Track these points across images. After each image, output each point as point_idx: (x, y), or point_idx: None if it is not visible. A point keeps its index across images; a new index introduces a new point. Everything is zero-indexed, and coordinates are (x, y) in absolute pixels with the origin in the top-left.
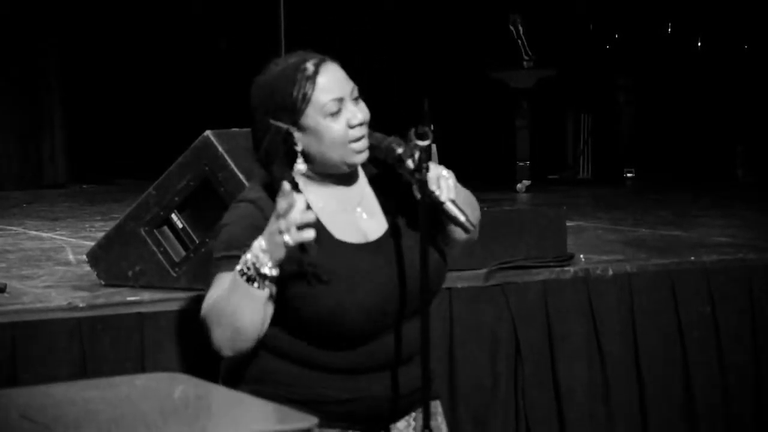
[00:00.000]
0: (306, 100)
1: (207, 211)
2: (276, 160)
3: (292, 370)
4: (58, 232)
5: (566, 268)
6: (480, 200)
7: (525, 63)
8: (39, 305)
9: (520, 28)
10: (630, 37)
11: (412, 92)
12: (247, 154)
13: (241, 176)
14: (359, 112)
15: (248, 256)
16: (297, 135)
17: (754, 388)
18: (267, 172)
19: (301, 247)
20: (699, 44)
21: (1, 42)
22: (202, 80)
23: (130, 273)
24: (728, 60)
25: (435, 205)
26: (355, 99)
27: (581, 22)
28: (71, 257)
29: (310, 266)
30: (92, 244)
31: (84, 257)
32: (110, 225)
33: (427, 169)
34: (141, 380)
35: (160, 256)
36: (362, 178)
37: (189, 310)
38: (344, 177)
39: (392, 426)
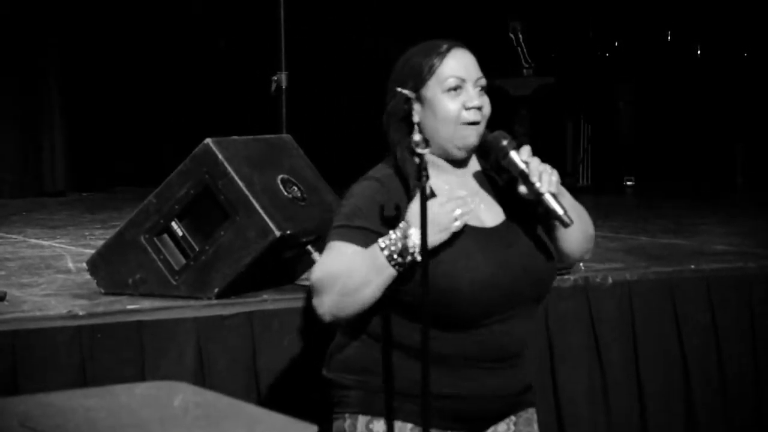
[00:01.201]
0: (431, 71)
1: (207, 219)
2: (393, 125)
3: (401, 362)
4: (57, 240)
5: (566, 276)
6: None
7: (525, 70)
8: (39, 313)
9: (520, 36)
10: (630, 45)
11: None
12: (247, 162)
13: (241, 184)
14: (477, 98)
15: (397, 234)
16: (416, 105)
17: (754, 395)
18: (386, 137)
19: None
20: (698, 52)
21: (1, 48)
22: (202, 81)
23: (130, 281)
24: (727, 68)
25: (536, 196)
26: (480, 89)
27: (581, 29)
28: (71, 265)
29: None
30: (92, 252)
31: (84, 265)
32: (110, 233)
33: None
34: (141, 388)
35: (160, 264)
36: (479, 170)
37: (189, 318)
38: (462, 164)
39: (493, 428)
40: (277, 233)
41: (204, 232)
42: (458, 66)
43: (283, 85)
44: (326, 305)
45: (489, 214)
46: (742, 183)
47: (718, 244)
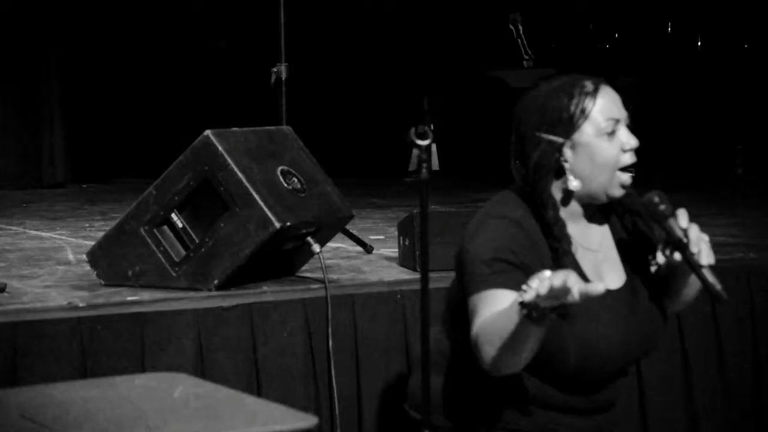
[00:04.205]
0: (584, 115)
1: (207, 210)
2: (546, 176)
3: (509, 404)
4: (57, 232)
5: None
6: (480, 199)
7: (525, 62)
8: (39, 305)
9: (520, 27)
10: (630, 37)
11: (411, 91)
12: (247, 154)
13: (241, 175)
14: (632, 138)
15: (533, 301)
16: (567, 152)
17: (754, 388)
18: (532, 188)
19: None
20: (699, 44)
21: (0, 42)
22: (202, 80)
23: (130, 273)
24: (728, 60)
25: (691, 268)
26: (628, 126)
27: (581, 21)
28: (71, 257)
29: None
30: (92, 243)
31: (84, 257)
32: (110, 225)
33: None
34: (141, 380)
35: (160, 256)
36: (605, 224)
37: (189, 309)
38: (594, 213)
39: None
40: (277, 225)
41: (204, 224)
42: (611, 106)
43: (283, 76)
44: (487, 362)
45: (613, 273)
46: (743, 174)
47: (718, 236)
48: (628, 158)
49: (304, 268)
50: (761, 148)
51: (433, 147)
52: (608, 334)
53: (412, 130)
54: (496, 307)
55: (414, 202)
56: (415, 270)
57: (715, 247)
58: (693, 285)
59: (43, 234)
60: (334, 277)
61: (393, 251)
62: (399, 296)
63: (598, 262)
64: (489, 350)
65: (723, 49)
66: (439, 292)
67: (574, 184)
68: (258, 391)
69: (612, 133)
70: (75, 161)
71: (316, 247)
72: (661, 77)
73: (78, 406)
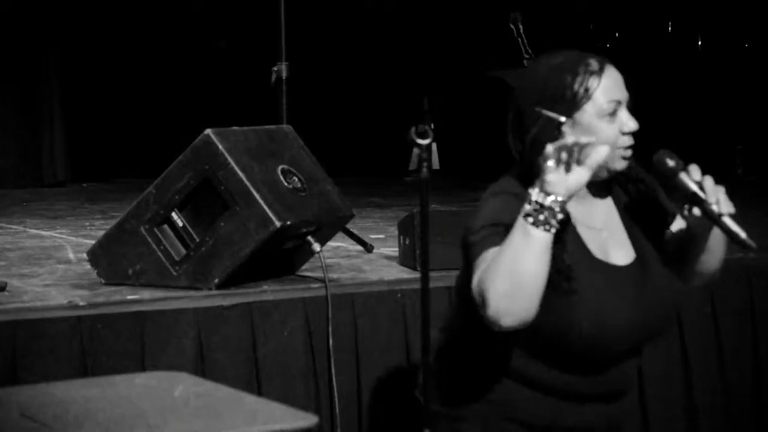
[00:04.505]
0: (587, 95)
1: (207, 209)
2: (538, 148)
3: (523, 394)
4: (58, 231)
5: None
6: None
7: (525, 61)
8: (39, 304)
9: (520, 27)
10: (630, 37)
11: (412, 90)
12: (247, 153)
13: (241, 174)
14: (632, 121)
15: (532, 195)
16: (567, 130)
17: (755, 387)
18: (528, 163)
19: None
20: (699, 43)
21: (1, 40)
22: (202, 80)
23: (130, 271)
24: (728, 60)
25: (711, 220)
26: (629, 108)
27: (581, 21)
28: (71, 256)
29: (564, 269)
30: (92, 242)
31: (84, 256)
32: (110, 223)
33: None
34: (141, 379)
35: (160, 255)
36: (609, 199)
37: (189, 308)
38: (596, 191)
39: None
40: (278, 224)
41: (204, 223)
42: (614, 87)
43: (284, 75)
44: (496, 300)
45: (620, 251)
46: (743, 174)
47: None
48: (627, 140)
49: (304, 267)
50: (761, 148)
51: (434, 146)
52: (617, 310)
53: (413, 129)
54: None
55: (414, 202)
56: (415, 269)
57: None
58: (715, 248)
59: (44, 233)
60: (335, 276)
61: (393, 250)
62: (399, 295)
63: (603, 240)
64: (492, 284)
65: (723, 49)
66: (440, 291)
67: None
68: (258, 390)
69: (613, 114)
70: (75, 160)
71: (316, 246)
72: (661, 77)
73: (78, 405)
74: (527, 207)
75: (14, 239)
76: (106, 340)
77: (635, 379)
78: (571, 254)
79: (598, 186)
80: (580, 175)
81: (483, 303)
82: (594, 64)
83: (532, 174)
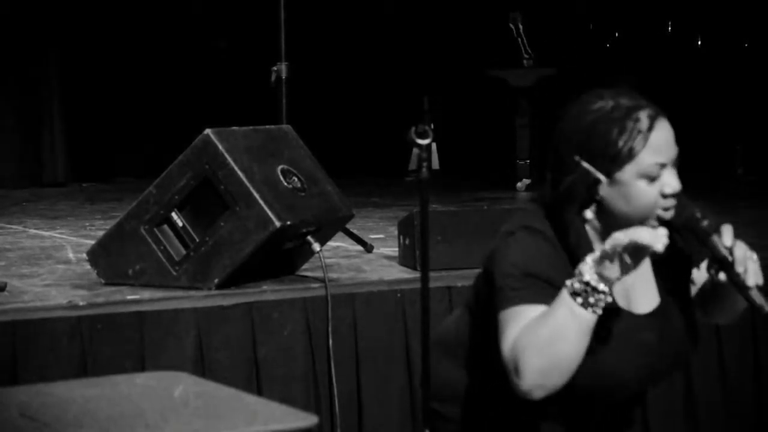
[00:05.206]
0: (631, 155)
1: (207, 209)
2: (575, 202)
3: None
4: (58, 231)
5: None
6: (480, 199)
7: (525, 61)
8: (39, 304)
9: (520, 27)
10: (630, 36)
11: (412, 90)
12: (247, 153)
13: (241, 174)
14: (675, 182)
15: (583, 274)
16: (603, 186)
17: (755, 388)
18: (559, 208)
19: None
20: (699, 43)
21: (1, 41)
22: (202, 80)
23: (130, 272)
24: (728, 59)
25: (737, 287)
26: (674, 166)
27: (581, 20)
28: (71, 256)
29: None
30: (92, 242)
31: (84, 256)
32: (110, 223)
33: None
34: (141, 379)
35: (160, 255)
36: None
37: (189, 308)
38: None
39: None
40: (278, 224)
41: (204, 223)
42: (662, 148)
43: (283, 75)
44: (531, 373)
45: (643, 297)
46: (743, 174)
47: None
48: (668, 203)
49: (304, 267)
50: (761, 148)
51: (434, 146)
52: (629, 360)
53: (413, 129)
54: (525, 322)
55: (414, 202)
56: (415, 269)
57: None
58: (740, 302)
59: (44, 233)
60: (335, 276)
61: (393, 250)
62: (399, 295)
63: (628, 285)
64: (530, 359)
65: (723, 49)
66: (440, 291)
67: (588, 215)
68: (258, 390)
69: (655, 177)
70: (75, 160)
71: (316, 246)
72: (661, 76)
73: (78, 405)
74: (576, 285)
75: (14, 239)
76: (106, 340)
77: (638, 419)
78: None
79: None
80: (633, 265)
81: (517, 373)
82: (644, 120)
83: (562, 218)
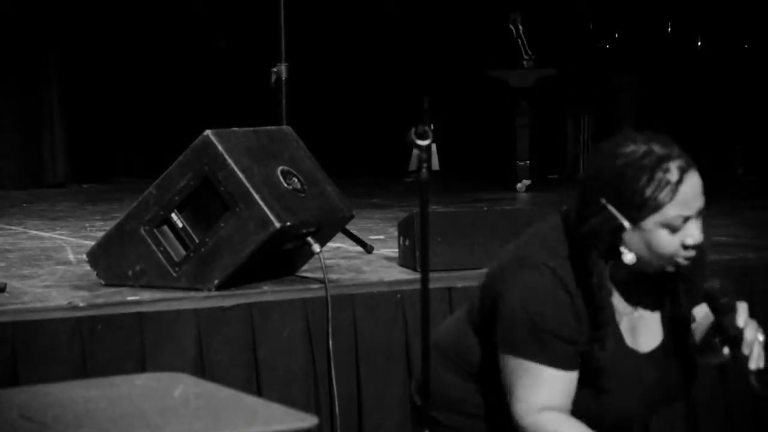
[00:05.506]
0: (657, 207)
1: (207, 210)
2: (598, 245)
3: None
4: (58, 232)
5: None
6: (480, 200)
7: (525, 62)
8: (39, 305)
9: (520, 27)
10: (630, 37)
11: (412, 91)
12: (247, 153)
13: (241, 175)
14: (698, 233)
15: None
16: (628, 234)
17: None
18: (581, 247)
19: None
20: (699, 43)
21: (1, 41)
22: (202, 80)
23: (130, 272)
24: (728, 60)
25: (738, 364)
26: (699, 216)
27: (581, 21)
28: (71, 257)
29: (599, 369)
30: (92, 243)
31: (84, 257)
32: (110, 224)
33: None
34: (141, 380)
35: (160, 256)
36: (646, 282)
37: (189, 309)
38: (638, 279)
39: None
40: (277, 225)
41: (204, 224)
42: (688, 201)
43: (283, 76)
44: None
45: (648, 336)
46: (743, 173)
47: (718, 235)
48: (688, 253)
49: (304, 267)
50: (761, 148)
51: (433, 147)
52: (629, 398)
53: (412, 130)
54: (545, 388)
55: (414, 202)
56: (415, 270)
57: (715, 246)
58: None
59: (44, 234)
60: (334, 277)
61: (393, 251)
62: (399, 296)
63: (635, 321)
64: None
65: (723, 49)
66: (439, 292)
67: (629, 257)
68: (258, 391)
69: (678, 229)
70: (75, 161)
71: (316, 247)
72: (661, 77)
73: (78, 406)
74: None
75: (14, 240)
76: (106, 341)
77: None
78: (607, 351)
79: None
80: None
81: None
82: (674, 172)
83: (585, 259)
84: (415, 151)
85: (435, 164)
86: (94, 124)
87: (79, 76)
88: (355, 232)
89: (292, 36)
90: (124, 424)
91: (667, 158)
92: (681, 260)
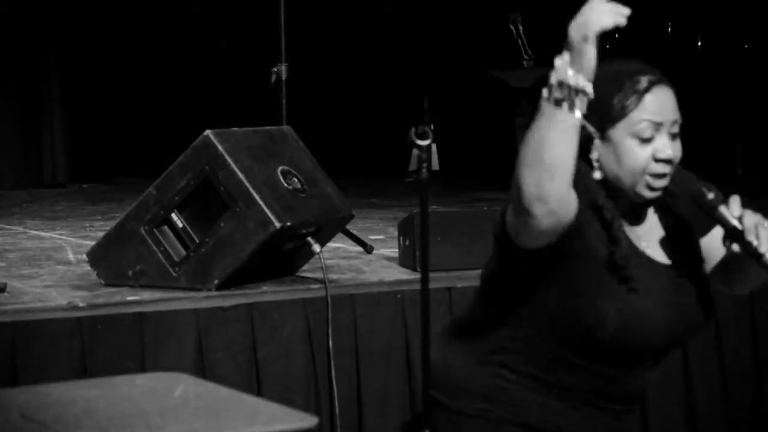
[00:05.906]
0: (623, 112)
1: (207, 210)
2: (582, 159)
3: (524, 393)
4: (58, 232)
5: None
6: (480, 199)
7: (525, 62)
8: (39, 305)
9: (520, 27)
10: (630, 36)
11: (412, 91)
12: (247, 153)
13: (241, 175)
14: (670, 148)
15: (554, 75)
16: (597, 143)
17: (755, 388)
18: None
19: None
20: (699, 43)
21: (1, 41)
22: (202, 80)
23: (130, 272)
24: (728, 59)
25: (752, 256)
26: (674, 135)
27: None
28: (71, 257)
29: (622, 261)
30: (92, 243)
31: (84, 257)
32: (110, 224)
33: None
34: (141, 379)
35: (160, 256)
36: (652, 218)
37: (189, 309)
38: (639, 213)
39: None
40: (278, 225)
41: (204, 224)
42: (655, 109)
43: (284, 76)
44: (528, 185)
45: (653, 253)
46: (743, 174)
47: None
48: (659, 168)
49: (304, 268)
50: (761, 148)
51: (433, 147)
52: (652, 308)
53: (412, 130)
54: None
55: (414, 202)
56: (415, 270)
57: None
58: (758, 272)
59: (44, 234)
60: (334, 277)
61: (393, 251)
62: (399, 296)
63: (642, 237)
64: (522, 174)
65: (723, 49)
66: (439, 292)
67: (596, 174)
68: (258, 391)
69: (648, 139)
70: (75, 161)
71: (316, 247)
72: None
73: (78, 406)
74: (545, 92)
75: (14, 240)
76: (106, 341)
77: (645, 392)
78: (624, 249)
79: (640, 207)
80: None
81: (517, 199)
82: (643, 81)
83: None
84: (415, 151)
85: (435, 164)
86: (94, 124)
87: (79, 76)
88: (355, 232)
89: (292, 36)
90: (124, 424)
91: (638, 72)
92: (650, 179)
